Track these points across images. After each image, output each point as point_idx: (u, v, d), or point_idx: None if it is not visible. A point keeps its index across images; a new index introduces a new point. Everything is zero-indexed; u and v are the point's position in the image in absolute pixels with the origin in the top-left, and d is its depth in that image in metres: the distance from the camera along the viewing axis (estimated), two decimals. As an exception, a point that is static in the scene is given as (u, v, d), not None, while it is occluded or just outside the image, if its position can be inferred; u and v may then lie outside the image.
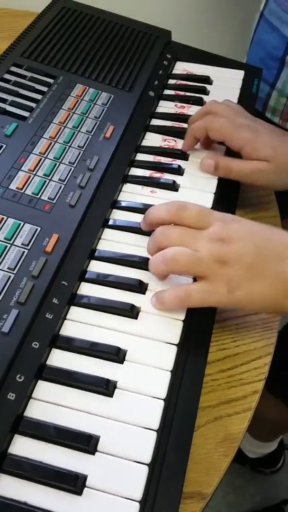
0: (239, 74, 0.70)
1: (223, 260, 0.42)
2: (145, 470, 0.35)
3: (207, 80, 0.68)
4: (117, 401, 0.38)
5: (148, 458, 0.35)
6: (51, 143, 0.54)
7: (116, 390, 0.38)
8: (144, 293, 0.45)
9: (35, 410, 0.37)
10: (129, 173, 0.55)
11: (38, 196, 0.48)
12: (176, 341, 0.42)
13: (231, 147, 0.55)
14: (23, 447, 0.35)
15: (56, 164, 0.52)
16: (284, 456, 1.17)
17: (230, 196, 0.56)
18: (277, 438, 1.11)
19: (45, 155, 0.52)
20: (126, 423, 0.37)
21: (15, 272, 0.42)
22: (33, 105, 0.57)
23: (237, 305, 0.44)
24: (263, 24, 0.78)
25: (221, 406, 0.44)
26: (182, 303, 0.43)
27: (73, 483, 0.34)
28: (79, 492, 0.34)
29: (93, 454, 0.35)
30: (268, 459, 1.14)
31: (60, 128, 0.55)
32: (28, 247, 0.44)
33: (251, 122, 0.55)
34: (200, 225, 0.44)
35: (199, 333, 0.44)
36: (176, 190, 0.54)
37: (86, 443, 0.35)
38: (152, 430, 0.37)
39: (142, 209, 0.52)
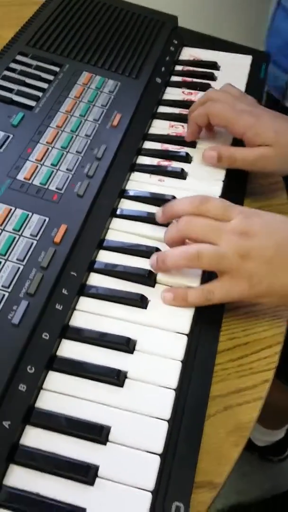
0: (247, 59, 0.69)
1: (245, 254, 0.42)
2: (157, 460, 0.35)
3: (214, 65, 0.67)
4: (128, 391, 0.38)
5: (160, 448, 0.35)
6: (58, 132, 0.53)
7: (127, 380, 0.38)
8: (153, 284, 0.45)
9: (46, 401, 0.37)
10: (137, 162, 0.55)
11: (46, 186, 0.48)
12: (187, 330, 0.42)
13: (233, 133, 0.54)
14: (35, 438, 0.36)
15: (63, 153, 0.51)
16: (292, 444, 1.18)
17: (238, 184, 0.56)
18: (285, 426, 1.12)
19: (52, 145, 0.52)
20: (137, 413, 0.37)
21: (24, 263, 0.42)
22: (40, 94, 0.56)
23: (258, 300, 0.45)
24: (281, 12, 0.76)
25: (231, 396, 0.44)
26: (206, 301, 0.43)
27: (85, 473, 0.34)
28: (91, 483, 0.34)
29: (105, 444, 0.35)
30: (276, 447, 1.14)
31: (67, 117, 0.55)
32: (37, 238, 0.44)
33: (252, 107, 0.54)
34: (223, 218, 0.44)
35: (209, 322, 0.44)
36: (184, 178, 0.54)
37: (98, 433, 0.35)
38: (164, 420, 0.37)
39: (150, 198, 0.51)
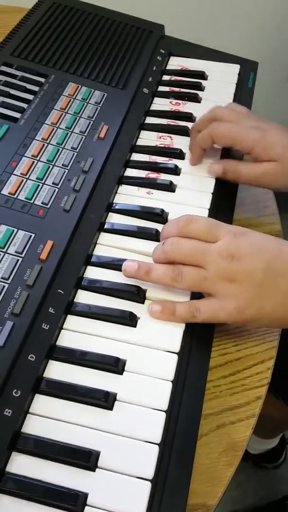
0: (235, 68, 0.68)
1: (232, 278, 0.41)
2: (148, 486, 0.34)
3: (202, 75, 0.66)
4: (117, 414, 0.37)
5: (150, 474, 0.34)
6: (43, 145, 0.52)
7: (116, 402, 0.37)
8: (142, 301, 0.44)
9: (33, 426, 0.36)
10: (125, 174, 0.54)
11: (31, 201, 0.47)
12: (177, 349, 0.41)
13: (241, 149, 0.53)
14: (21, 465, 0.34)
15: (49, 167, 0.50)
16: (285, 451, 1.17)
17: (228, 196, 0.55)
18: (278, 435, 1.11)
19: (37, 158, 0.51)
20: (127, 437, 0.36)
21: (9, 281, 0.41)
22: (25, 105, 0.55)
23: (246, 323, 0.44)
24: None
25: (223, 414, 0.43)
26: (191, 318, 0.42)
27: (73, 502, 0.33)
28: (80, 511, 0.33)
29: (94, 470, 0.34)
30: (270, 454, 1.13)
31: (53, 129, 0.54)
32: (22, 255, 0.43)
33: (258, 122, 0.53)
34: (209, 238, 0.43)
35: (200, 340, 0.43)
36: (173, 191, 0.53)
37: (86, 459, 0.34)
38: (154, 444, 0.36)
39: (138, 212, 0.50)
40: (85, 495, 0.33)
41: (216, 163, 0.54)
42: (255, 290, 0.41)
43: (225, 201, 0.54)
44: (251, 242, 0.43)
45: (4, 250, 0.43)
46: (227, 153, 0.57)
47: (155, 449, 0.35)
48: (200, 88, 0.65)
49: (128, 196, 0.52)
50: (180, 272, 0.42)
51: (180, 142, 0.58)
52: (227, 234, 0.43)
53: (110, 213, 0.50)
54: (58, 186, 0.49)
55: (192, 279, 0.42)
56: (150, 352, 0.40)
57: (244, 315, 0.41)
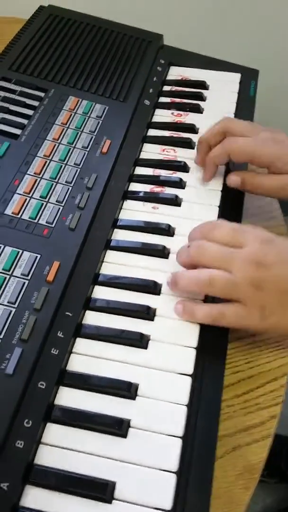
0: (236, 77, 0.67)
1: (259, 285, 0.41)
2: (166, 517, 0.33)
3: (203, 85, 0.66)
4: (132, 442, 0.36)
5: (169, 504, 0.33)
6: (46, 161, 0.51)
7: (130, 429, 0.36)
8: (153, 320, 0.43)
9: (46, 457, 0.35)
10: (129, 189, 0.53)
11: (35, 221, 0.46)
12: (190, 371, 0.40)
13: (258, 164, 0.52)
14: (36, 498, 0.33)
15: (52, 184, 0.49)
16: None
17: (234, 208, 0.54)
18: None
19: (40, 175, 0.50)
20: (143, 466, 0.35)
21: (16, 306, 0.40)
22: (25, 121, 0.54)
23: (266, 331, 0.44)
24: None
25: (238, 435, 0.42)
26: (214, 321, 0.42)
27: (91, 537, 0.32)
28: None
29: (110, 502, 0.33)
30: (271, 470, 1.12)
31: (55, 145, 0.53)
32: (28, 277, 0.42)
33: (272, 134, 0.52)
34: (235, 244, 0.42)
35: (213, 359, 0.42)
36: (179, 205, 0.52)
37: (103, 491, 0.33)
38: (171, 472, 0.35)
39: (144, 227, 0.50)
40: (102, 529, 0.32)
41: (234, 174, 0.52)
42: (280, 299, 0.41)
43: (232, 214, 0.53)
44: (278, 250, 0.42)
45: (10, 272, 0.42)
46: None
47: (173, 478, 0.34)
48: (202, 98, 0.64)
49: (133, 211, 0.51)
50: (209, 278, 0.41)
51: (183, 155, 0.57)
52: (254, 240, 0.42)
53: (115, 229, 0.49)
54: (62, 204, 0.48)
55: (223, 285, 0.41)
56: (163, 375, 0.39)
57: (266, 324, 0.41)
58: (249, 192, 0.53)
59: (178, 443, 0.36)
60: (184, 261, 0.44)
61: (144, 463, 0.35)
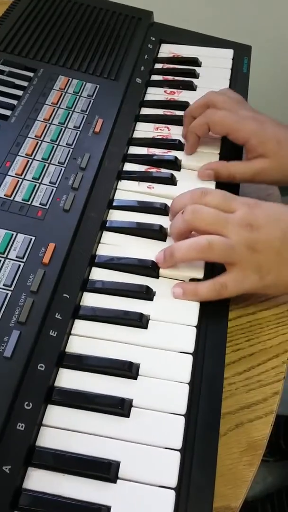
0: (229, 53, 0.66)
1: (253, 246, 0.42)
2: (172, 494, 0.33)
3: (195, 62, 0.64)
4: (134, 421, 0.35)
5: (174, 482, 0.33)
6: (37, 142, 0.50)
7: (133, 409, 0.36)
8: (152, 299, 0.42)
9: (48, 439, 0.34)
10: (124, 169, 0.52)
11: (29, 203, 0.45)
12: (191, 349, 0.39)
13: (236, 140, 0.51)
14: (39, 480, 0.33)
15: (45, 165, 0.48)
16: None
17: (230, 190, 0.53)
18: None
19: (32, 157, 0.49)
20: (147, 444, 0.34)
21: (12, 289, 0.39)
22: (14, 102, 0.53)
23: (266, 290, 0.45)
24: None
25: (241, 412, 0.42)
26: (218, 295, 0.42)
27: (96, 517, 0.31)
28: (103, 526, 0.31)
29: (115, 482, 0.33)
30: (270, 449, 1.13)
31: (46, 125, 0.52)
32: (24, 260, 0.41)
33: (254, 113, 0.52)
34: (226, 209, 0.43)
35: (213, 338, 0.41)
36: (175, 184, 0.51)
37: (106, 471, 0.33)
38: (175, 450, 0.34)
39: (140, 207, 0.49)
40: (108, 508, 0.32)
41: (206, 167, 0.52)
42: (275, 258, 0.42)
43: (229, 190, 0.52)
44: (266, 212, 0.43)
45: (5, 255, 0.41)
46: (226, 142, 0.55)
47: (177, 456, 0.34)
48: (195, 75, 0.63)
49: (128, 192, 0.50)
50: (208, 242, 0.42)
51: (178, 133, 0.56)
52: (243, 205, 0.43)
53: (111, 210, 0.49)
54: (56, 185, 0.47)
55: (222, 248, 0.42)
56: (164, 354, 0.39)
57: (265, 282, 0.42)
58: (225, 182, 0.52)
59: (181, 421, 0.35)
60: (180, 227, 0.44)
61: (147, 442, 0.34)
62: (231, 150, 0.55)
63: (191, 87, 0.61)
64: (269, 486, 1.13)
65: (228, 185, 0.52)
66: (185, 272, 0.44)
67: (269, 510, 1.03)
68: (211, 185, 0.51)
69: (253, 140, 0.50)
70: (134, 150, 0.54)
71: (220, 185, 0.52)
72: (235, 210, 0.43)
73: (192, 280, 0.44)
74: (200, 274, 0.44)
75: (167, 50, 0.66)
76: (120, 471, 0.33)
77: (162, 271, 0.44)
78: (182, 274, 0.44)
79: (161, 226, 0.47)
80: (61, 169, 0.48)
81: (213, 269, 0.44)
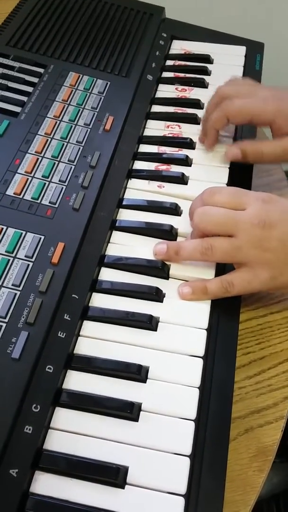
0: (241, 50, 0.65)
1: (265, 245, 0.40)
2: (181, 501, 0.32)
3: (207, 59, 0.63)
4: (143, 425, 0.35)
5: (183, 488, 0.32)
6: (47, 140, 0.49)
7: (142, 413, 0.35)
8: (161, 301, 0.42)
9: (55, 442, 0.34)
10: (134, 167, 0.51)
11: (38, 201, 0.45)
12: (201, 353, 0.39)
13: (260, 124, 0.50)
14: (46, 484, 0.32)
15: (54, 163, 0.48)
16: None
17: (243, 185, 0.52)
18: None
19: (42, 154, 0.48)
20: (156, 450, 0.34)
21: (20, 289, 0.39)
22: (24, 98, 0.52)
23: (279, 290, 0.44)
24: None
25: (251, 417, 0.41)
26: (225, 292, 0.41)
27: (104, 523, 0.31)
28: (111, 532, 0.31)
29: (123, 487, 0.32)
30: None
31: (56, 122, 0.51)
32: (33, 259, 0.40)
33: (270, 91, 0.50)
34: (237, 206, 0.42)
35: (223, 341, 0.41)
36: (185, 183, 0.50)
37: (114, 476, 0.32)
38: (185, 456, 0.34)
39: (150, 207, 0.48)
40: (116, 515, 0.31)
41: (233, 146, 0.50)
42: (286, 257, 0.40)
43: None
44: (282, 209, 0.42)
45: (14, 255, 0.40)
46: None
47: (186, 462, 0.33)
48: (206, 72, 0.62)
49: (138, 190, 0.50)
50: (210, 245, 0.41)
51: (189, 131, 0.55)
52: (256, 201, 0.42)
53: (120, 209, 0.48)
54: (66, 184, 0.46)
55: (224, 250, 0.41)
56: (174, 357, 0.38)
57: (278, 282, 0.41)
58: (252, 162, 0.51)
59: (191, 426, 0.35)
60: (192, 232, 0.43)
61: (156, 447, 0.34)
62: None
63: (202, 84, 0.60)
64: (275, 487, 1.12)
65: (242, 175, 0.52)
66: (195, 274, 0.43)
67: (275, 511, 1.03)
68: (224, 175, 0.51)
69: (278, 119, 0.48)
70: (144, 148, 0.53)
71: (235, 176, 0.51)
72: (247, 207, 0.42)
73: None
74: (211, 275, 0.43)
75: (178, 46, 0.65)
76: (129, 477, 0.33)
77: (172, 272, 0.43)
78: (192, 276, 0.43)
79: (171, 226, 0.46)
80: (71, 167, 0.48)
81: (224, 270, 0.43)
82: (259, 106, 0.49)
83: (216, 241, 0.41)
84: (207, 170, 0.52)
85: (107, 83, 0.56)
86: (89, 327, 0.40)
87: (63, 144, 0.49)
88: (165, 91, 0.60)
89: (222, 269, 0.44)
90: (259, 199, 0.42)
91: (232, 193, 0.43)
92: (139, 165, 0.52)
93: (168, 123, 0.56)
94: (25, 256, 0.41)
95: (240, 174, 0.52)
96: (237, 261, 0.42)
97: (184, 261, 0.43)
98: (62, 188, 0.46)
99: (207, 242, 0.41)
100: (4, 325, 0.37)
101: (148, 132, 0.55)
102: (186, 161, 0.52)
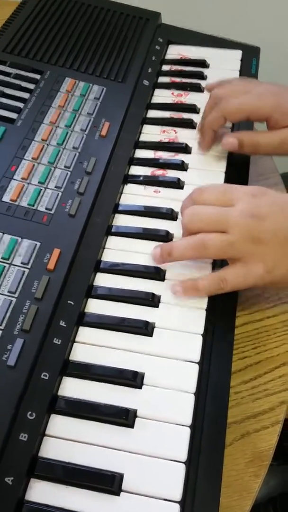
0: (237, 54, 0.65)
1: (258, 238, 0.40)
2: (176, 508, 0.32)
3: (203, 63, 0.64)
4: (139, 432, 0.35)
5: (178, 495, 0.32)
6: (43, 146, 0.49)
7: (137, 419, 0.35)
8: (157, 306, 0.42)
9: (51, 449, 0.34)
10: (130, 173, 0.52)
11: (34, 207, 0.45)
12: (197, 358, 0.39)
13: (258, 119, 0.50)
14: (41, 492, 0.32)
15: (50, 169, 0.48)
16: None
17: (239, 179, 0.52)
18: None
19: (38, 160, 0.48)
20: (151, 456, 0.34)
21: (16, 295, 0.39)
22: (21, 105, 0.53)
23: (275, 284, 0.43)
24: None
25: (247, 422, 0.41)
26: (219, 289, 0.41)
27: (99, 530, 0.31)
28: (106, 540, 0.31)
29: (118, 495, 0.32)
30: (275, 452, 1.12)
31: (52, 128, 0.51)
32: (29, 266, 0.41)
33: (265, 86, 0.50)
34: (226, 203, 0.42)
35: (219, 346, 0.41)
36: (182, 187, 0.50)
37: (110, 483, 0.32)
38: (180, 462, 0.34)
39: (146, 212, 0.48)
40: (111, 522, 0.31)
41: (230, 136, 0.50)
42: (282, 249, 0.40)
43: (236, 180, 0.51)
44: (272, 201, 0.42)
45: (9, 261, 0.41)
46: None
47: (182, 468, 0.34)
48: (202, 77, 0.62)
49: (134, 196, 0.50)
50: (203, 241, 0.41)
51: (185, 136, 0.55)
52: (244, 195, 0.42)
53: (116, 215, 0.48)
54: (61, 190, 0.46)
55: (218, 246, 0.40)
56: (169, 362, 0.38)
57: (274, 276, 0.40)
58: (248, 153, 0.51)
59: (187, 432, 0.35)
60: (182, 233, 0.43)
61: (152, 453, 0.34)
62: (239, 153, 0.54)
63: (199, 89, 0.60)
64: (272, 490, 1.12)
65: (238, 179, 0.52)
66: (191, 275, 0.43)
67: (273, 514, 1.03)
68: (220, 179, 0.51)
69: (275, 114, 0.49)
70: (140, 153, 0.53)
71: (231, 180, 0.51)
72: (236, 202, 0.41)
73: None
74: (207, 272, 0.43)
75: (175, 51, 0.66)
76: (124, 484, 0.33)
77: (168, 275, 0.43)
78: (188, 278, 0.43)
79: (167, 232, 0.46)
80: (67, 173, 0.48)
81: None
82: (255, 103, 0.49)
83: (208, 236, 0.41)
84: (203, 175, 0.52)
85: (103, 89, 0.56)
86: (84, 333, 0.40)
87: (59, 150, 0.49)
88: (161, 96, 0.60)
89: (220, 265, 0.43)
90: (248, 193, 0.42)
91: (221, 190, 0.43)
92: (135, 170, 0.52)
93: (164, 128, 0.56)
94: (21, 263, 0.41)
95: (236, 178, 0.52)
96: (230, 257, 0.41)
97: (178, 261, 0.43)
98: (58, 194, 0.46)
99: (199, 238, 0.41)
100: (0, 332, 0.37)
101: (144, 137, 0.55)
102: (182, 166, 0.52)
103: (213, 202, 0.42)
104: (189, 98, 0.59)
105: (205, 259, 0.43)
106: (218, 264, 0.44)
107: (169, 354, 0.39)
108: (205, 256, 0.42)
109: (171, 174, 0.51)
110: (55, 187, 0.46)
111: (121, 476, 0.33)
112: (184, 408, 0.36)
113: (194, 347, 0.39)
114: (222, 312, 0.42)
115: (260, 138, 0.50)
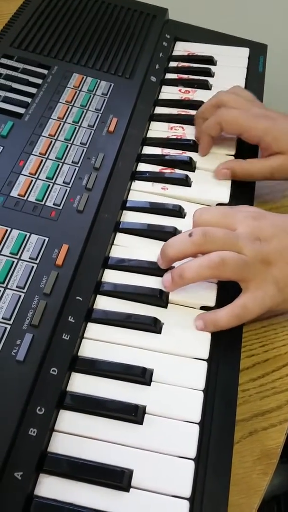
0: (244, 51, 0.65)
1: (267, 260, 0.40)
2: (185, 505, 0.32)
3: (210, 60, 0.63)
4: (148, 428, 0.35)
5: (188, 492, 0.32)
6: (51, 141, 0.49)
7: (146, 416, 0.35)
8: (165, 304, 0.42)
9: (60, 445, 0.34)
10: (137, 169, 0.51)
11: (42, 203, 0.44)
12: (206, 355, 0.39)
13: (248, 139, 0.51)
14: (50, 487, 0.32)
15: (58, 165, 0.48)
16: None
17: (246, 187, 0.52)
18: None
19: (46, 156, 0.48)
20: (160, 453, 0.34)
21: (25, 291, 0.39)
22: (28, 100, 0.52)
23: (286, 302, 0.42)
24: None
25: (255, 419, 0.41)
26: (240, 320, 0.40)
27: (109, 526, 0.31)
28: (116, 536, 0.31)
29: (128, 491, 0.32)
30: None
31: (60, 124, 0.51)
32: (37, 261, 0.40)
33: (266, 110, 0.51)
34: (228, 226, 0.41)
35: (228, 344, 0.41)
36: (189, 185, 0.50)
37: (119, 479, 0.32)
38: (189, 459, 0.34)
39: (153, 209, 0.48)
40: (120, 518, 0.31)
41: (223, 166, 0.51)
42: None
43: (244, 192, 0.51)
44: (272, 223, 0.42)
45: (18, 256, 0.40)
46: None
47: (191, 465, 0.33)
48: (210, 74, 0.62)
49: (142, 192, 0.49)
50: (221, 258, 0.39)
51: (192, 133, 0.55)
52: (245, 219, 0.42)
53: (124, 211, 0.48)
54: (70, 185, 0.46)
55: (236, 264, 0.39)
56: (178, 360, 0.38)
57: (285, 295, 0.41)
58: (242, 180, 0.51)
59: (196, 429, 0.35)
60: (187, 250, 0.41)
61: (161, 450, 0.34)
62: (247, 151, 0.54)
63: (206, 86, 0.60)
64: (275, 488, 1.12)
65: (244, 185, 0.52)
66: (195, 299, 0.42)
67: (275, 512, 1.03)
68: (227, 188, 0.50)
69: (266, 138, 0.49)
70: (148, 150, 0.53)
71: (237, 184, 0.51)
72: (237, 226, 0.41)
73: (203, 308, 0.42)
74: (211, 300, 0.41)
75: (182, 48, 0.65)
76: (133, 480, 0.33)
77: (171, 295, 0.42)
78: (192, 302, 0.42)
79: (175, 228, 0.46)
80: (75, 169, 0.48)
81: (224, 296, 0.42)
82: (250, 122, 0.49)
83: (226, 254, 0.39)
84: (211, 172, 0.51)
85: (110, 85, 0.56)
86: (93, 329, 0.40)
87: (67, 145, 0.49)
88: (168, 92, 0.60)
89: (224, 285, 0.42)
90: (248, 217, 0.42)
91: (221, 214, 0.42)
92: (142, 167, 0.52)
93: (172, 124, 0.56)
94: (30, 258, 0.40)
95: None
96: (245, 276, 0.40)
97: (192, 283, 0.41)
98: (66, 189, 0.46)
99: (216, 256, 0.39)
100: (8, 327, 0.37)
101: (151, 134, 0.55)
102: (189, 163, 0.52)
103: (214, 225, 0.41)
104: (197, 95, 0.59)
105: (220, 279, 0.42)
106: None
107: (177, 352, 0.39)
108: (221, 275, 0.40)
109: (179, 171, 0.51)
110: (63, 182, 0.46)
111: (130, 472, 0.33)
112: (193, 405, 0.36)
113: (202, 345, 0.39)
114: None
115: (251, 168, 0.50)
